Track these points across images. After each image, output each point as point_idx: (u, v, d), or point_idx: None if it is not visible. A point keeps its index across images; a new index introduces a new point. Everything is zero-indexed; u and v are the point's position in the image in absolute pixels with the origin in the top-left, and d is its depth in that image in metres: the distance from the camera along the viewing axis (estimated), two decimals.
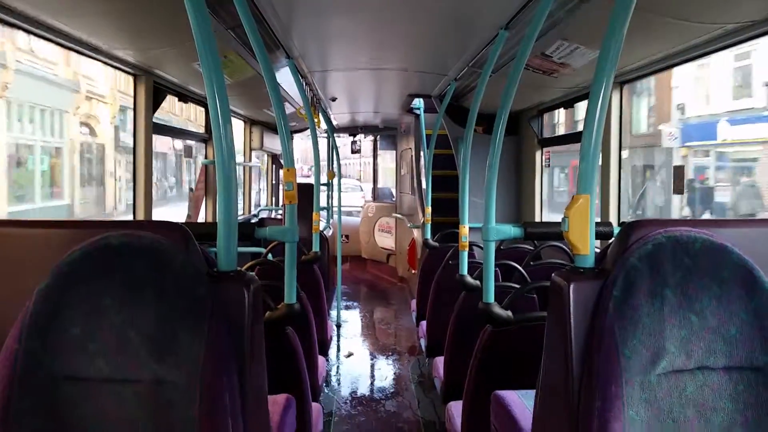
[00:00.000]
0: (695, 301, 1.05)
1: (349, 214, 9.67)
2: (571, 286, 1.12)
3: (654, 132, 11.28)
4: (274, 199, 6.88)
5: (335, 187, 6.25)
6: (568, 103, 3.73)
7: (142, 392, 1.06)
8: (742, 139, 9.61)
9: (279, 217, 6.13)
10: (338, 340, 5.26)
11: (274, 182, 6.86)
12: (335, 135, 6.55)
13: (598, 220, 3.14)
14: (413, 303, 4.61)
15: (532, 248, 3.41)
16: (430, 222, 4.38)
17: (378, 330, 5.74)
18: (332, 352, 4.87)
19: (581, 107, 3.64)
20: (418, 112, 5.75)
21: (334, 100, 5.19)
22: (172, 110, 9.43)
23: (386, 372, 4.52)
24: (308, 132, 3.96)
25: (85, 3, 1.92)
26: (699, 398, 1.04)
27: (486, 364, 2.14)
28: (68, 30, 2.15)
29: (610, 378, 1.01)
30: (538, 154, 4.40)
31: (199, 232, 1.36)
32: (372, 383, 4.28)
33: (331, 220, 6.66)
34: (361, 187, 16.83)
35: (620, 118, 3.06)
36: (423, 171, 5.82)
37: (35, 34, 2.06)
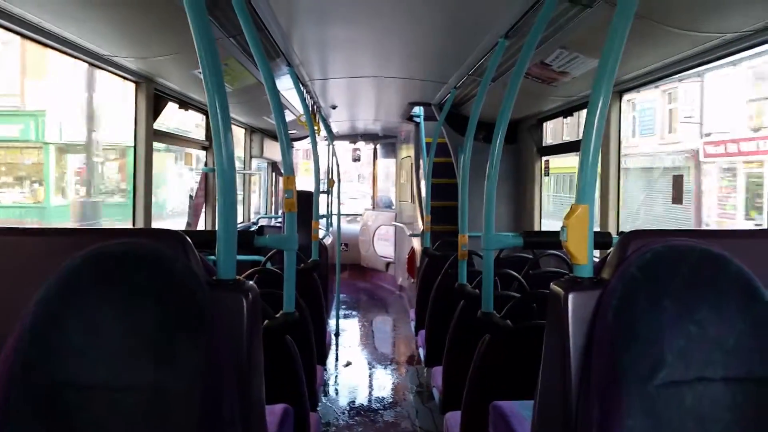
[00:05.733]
0: (694, 312, 1.04)
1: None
2: (570, 296, 1.12)
3: None
4: (273, 206, 6.87)
5: (335, 195, 6.25)
6: (568, 112, 3.73)
7: (141, 400, 1.05)
8: None
9: (278, 224, 6.12)
10: (337, 349, 5.23)
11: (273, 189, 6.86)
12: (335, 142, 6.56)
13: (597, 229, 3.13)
14: (412, 312, 4.59)
15: (531, 257, 3.41)
16: (429, 230, 4.37)
17: (377, 339, 5.72)
18: (330, 361, 4.84)
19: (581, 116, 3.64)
20: (417, 120, 5.75)
21: (334, 107, 5.20)
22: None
23: (385, 382, 4.49)
24: (309, 140, 3.97)
25: (86, 10, 1.93)
26: (698, 409, 1.03)
27: (485, 373, 2.13)
28: (69, 37, 2.15)
29: (608, 388, 1.01)
30: (537, 162, 4.41)
31: (199, 240, 1.35)
32: (370, 393, 4.25)
33: (330, 229, 6.65)
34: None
35: (619, 127, 3.07)
36: (422, 179, 5.81)
37: (36, 41, 2.07)
